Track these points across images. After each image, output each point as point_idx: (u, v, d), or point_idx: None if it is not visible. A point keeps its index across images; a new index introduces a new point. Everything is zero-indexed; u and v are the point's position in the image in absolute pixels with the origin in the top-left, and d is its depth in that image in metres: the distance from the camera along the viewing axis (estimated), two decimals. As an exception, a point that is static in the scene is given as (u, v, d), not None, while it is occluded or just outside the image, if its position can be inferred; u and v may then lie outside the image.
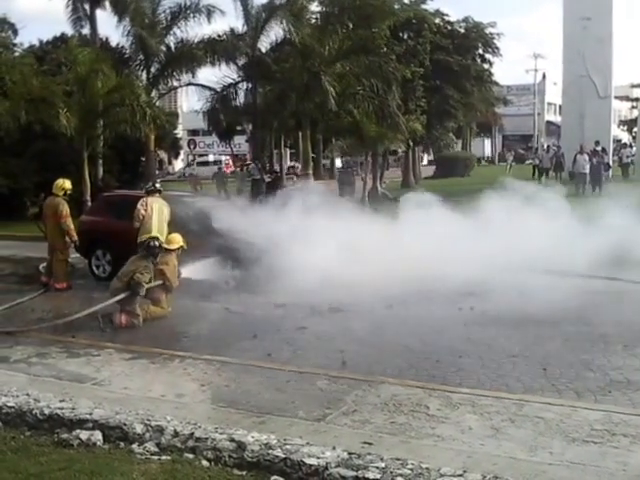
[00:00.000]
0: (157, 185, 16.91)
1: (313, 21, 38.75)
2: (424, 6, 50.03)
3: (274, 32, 39.48)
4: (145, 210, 15.64)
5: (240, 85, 41.72)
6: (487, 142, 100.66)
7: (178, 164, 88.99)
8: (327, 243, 15.34)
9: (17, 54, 42.72)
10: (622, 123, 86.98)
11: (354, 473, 6.01)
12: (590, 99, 45.44)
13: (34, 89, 29.47)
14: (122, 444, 6.98)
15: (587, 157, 38.05)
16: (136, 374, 10.40)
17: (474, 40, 54.64)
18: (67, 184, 17.35)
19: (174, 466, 6.46)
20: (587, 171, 37.47)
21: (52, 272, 17.08)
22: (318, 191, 20.09)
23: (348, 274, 14.62)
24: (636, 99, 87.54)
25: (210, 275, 15.35)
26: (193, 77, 40.93)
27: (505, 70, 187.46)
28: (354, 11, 36.70)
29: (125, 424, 7.07)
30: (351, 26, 37.99)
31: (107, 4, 37.80)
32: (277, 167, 45.42)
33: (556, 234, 16.38)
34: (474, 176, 54.55)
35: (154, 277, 13.78)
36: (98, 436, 7.03)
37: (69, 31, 41.29)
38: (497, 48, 56.57)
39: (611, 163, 44.64)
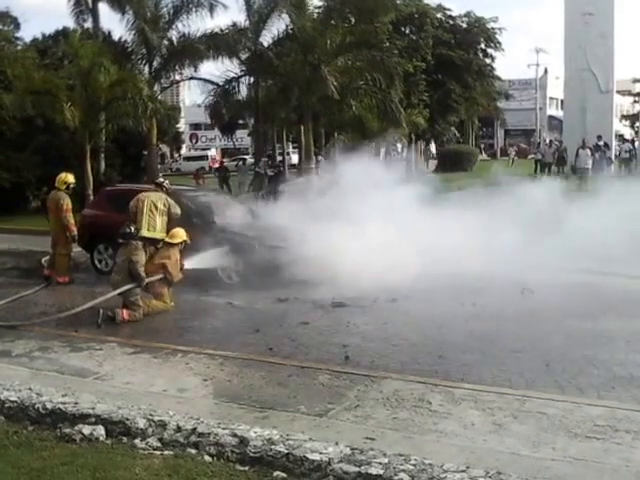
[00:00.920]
0: (161, 179, 16.87)
1: (315, 15, 38.71)
2: (426, 0, 50.04)
3: (276, 26, 39.59)
4: (136, 206, 15.62)
5: (242, 79, 41.76)
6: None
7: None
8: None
9: (19, 48, 42.71)
10: (624, 118, 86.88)
11: (357, 469, 6.00)
12: (592, 93, 45.46)
13: (36, 83, 29.53)
14: (125, 439, 6.98)
15: (589, 152, 38.02)
16: (138, 368, 10.38)
17: (476, 35, 54.74)
18: (69, 178, 17.34)
19: (176, 461, 6.46)
20: (590, 166, 37.42)
21: (55, 265, 17.07)
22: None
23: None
24: (638, 94, 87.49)
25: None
26: (195, 71, 41.08)
27: (507, 65, 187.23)
28: (356, 5, 36.70)
29: (128, 419, 7.07)
30: (353, 20, 38.01)
31: (110, -2, 37.84)
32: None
33: (559, 230, 16.36)
34: (477, 170, 54.43)
35: (155, 272, 13.78)
36: (101, 431, 7.02)
37: (71, 25, 41.31)
38: (499, 43, 56.74)
39: (613, 158, 44.63)
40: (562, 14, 48.54)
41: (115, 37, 41.55)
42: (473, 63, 52.68)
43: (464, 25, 57.07)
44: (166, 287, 13.89)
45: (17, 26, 48.26)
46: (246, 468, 6.36)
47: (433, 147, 62.93)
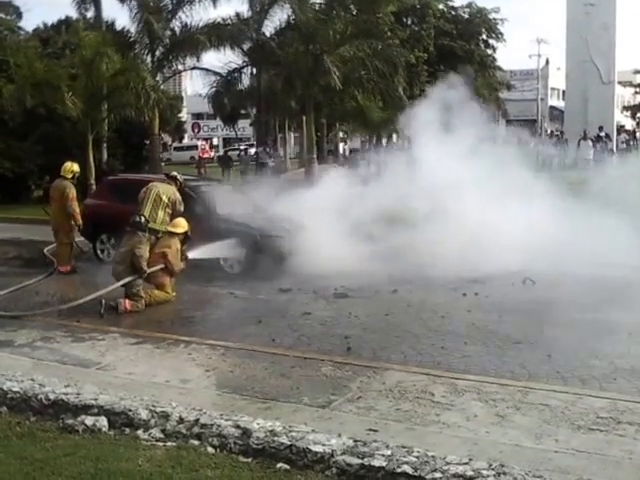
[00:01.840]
0: (174, 173, 16.80)
1: (317, 6, 38.65)
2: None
3: (278, 17, 39.55)
4: (144, 194, 15.59)
5: (244, 69, 41.70)
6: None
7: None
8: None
9: (21, 37, 42.66)
10: (625, 109, 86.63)
11: (360, 461, 6.00)
12: (593, 84, 45.37)
13: (38, 72, 29.42)
14: (127, 430, 6.96)
15: (591, 143, 37.94)
16: (141, 359, 10.38)
17: (478, 25, 54.68)
18: (75, 167, 17.34)
19: (179, 452, 6.45)
20: (591, 157, 37.34)
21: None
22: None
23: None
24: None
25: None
26: (198, 61, 40.95)
27: (508, 55, 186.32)
28: (357, -5, 36.66)
29: (130, 410, 7.05)
30: (355, 11, 37.91)
31: (112, -13, 37.78)
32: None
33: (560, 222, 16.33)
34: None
35: (156, 261, 13.76)
36: (103, 422, 7.01)
37: (74, 14, 41.26)
38: (501, 33, 56.60)
39: (615, 149, 44.52)
40: (564, 5, 48.48)
41: (118, 27, 41.62)
42: (475, 54, 52.63)
43: (466, 16, 57.00)
44: (168, 277, 13.87)
45: (19, 15, 48.29)
46: (249, 460, 6.34)
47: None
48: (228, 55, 41.09)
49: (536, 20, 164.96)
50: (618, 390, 8.83)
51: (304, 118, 40.07)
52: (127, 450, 6.50)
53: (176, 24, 38.42)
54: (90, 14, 39.24)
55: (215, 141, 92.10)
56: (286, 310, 13.12)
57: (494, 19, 57.66)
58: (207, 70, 41.94)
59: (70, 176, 17.16)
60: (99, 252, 18.15)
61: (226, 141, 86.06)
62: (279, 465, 6.20)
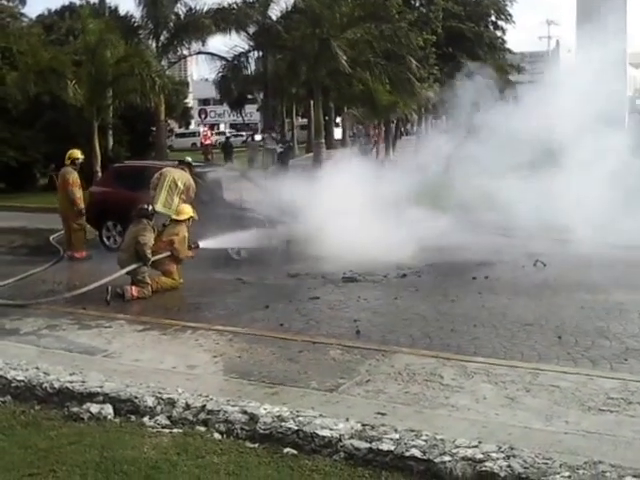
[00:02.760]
0: (188, 159, 16.71)
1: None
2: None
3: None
4: (158, 180, 15.51)
5: (251, 54, 41.53)
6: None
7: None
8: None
9: (25, 24, 42.54)
10: (638, 91, 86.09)
11: (368, 445, 5.93)
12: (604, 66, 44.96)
13: (42, 59, 29.28)
14: (133, 417, 6.90)
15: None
16: (147, 346, 10.31)
17: (487, 7, 54.35)
18: (75, 153, 17.29)
19: (186, 439, 6.39)
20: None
21: (71, 242, 17.04)
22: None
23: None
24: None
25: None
26: (203, 45, 40.80)
27: (518, 37, 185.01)
28: (364, -23, 36.38)
29: (136, 397, 6.99)
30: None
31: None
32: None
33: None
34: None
35: (163, 248, 13.69)
36: (109, 409, 6.95)
37: (77, 0, 41.13)
38: (510, 15, 56.21)
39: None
40: (574, -16, 48.10)
41: (122, 12, 41.50)
42: (484, 36, 52.38)
43: (474, -3, 56.74)
44: (175, 264, 13.80)
45: (22, 2, 48.05)
46: (256, 445, 6.28)
47: (445, 121, 62.54)
48: (234, 39, 40.97)
49: (546, 1, 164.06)
50: (629, 371, 8.75)
51: (311, 102, 39.90)
52: (133, 438, 6.43)
53: (181, 8, 38.31)
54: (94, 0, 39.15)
55: (222, 127, 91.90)
56: (294, 295, 13.04)
57: (503, 0, 57.35)
58: (212, 55, 41.80)
59: (69, 162, 17.14)
60: (105, 239, 18.07)
61: (233, 127, 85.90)
62: (286, 450, 6.14)
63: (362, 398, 8.06)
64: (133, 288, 13.13)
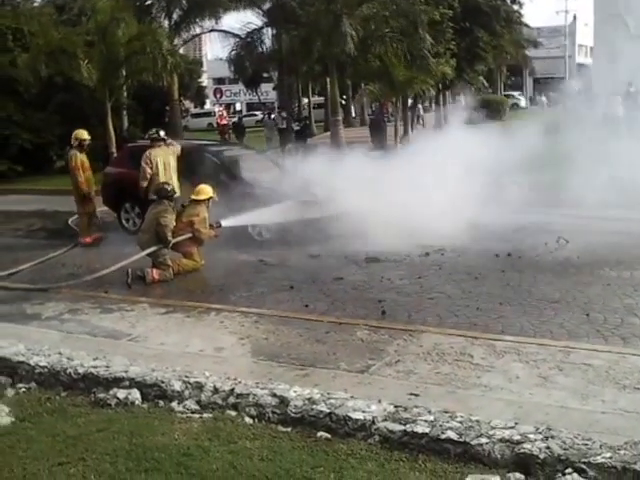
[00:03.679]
0: (161, 133, 16.47)
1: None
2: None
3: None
4: (151, 167, 15.38)
5: (265, 31, 41.20)
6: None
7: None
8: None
9: (36, 4, 42.33)
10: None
11: (402, 427, 5.80)
12: (623, 40, 44.36)
13: (53, 40, 29.08)
14: (161, 402, 6.80)
15: (620, 99, 37.19)
16: (172, 329, 10.22)
17: (503, -20, 53.68)
18: (81, 134, 16.71)
19: (216, 424, 6.27)
20: (621, 114, 36.51)
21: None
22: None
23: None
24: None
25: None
26: (216, 23, 40.50)
27: (535, 11, 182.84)
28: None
29: (163, 381, 6.87)
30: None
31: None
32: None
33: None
34: (508, 120, 53.62)
35: (183, 230, 13.56)
36: (136, 395, 6.85)
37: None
38: (527, -12, 55.56)
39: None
40: (591, -44, 47.65)
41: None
42: (501, 10, 51.70)
43: (491, -30, 56.15)
44: (196, 245, 13.67)
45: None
46: (288, 429, 6.17)
47: (463, 98, 62.18)
48: (248, 16, 40.68)
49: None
50: (661, 348, 8.59)
51: (327, 80, 39.57)
52: (162, 423, 6.33)
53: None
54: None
55: (238, 106, 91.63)
56: (317, 275, 12.88)
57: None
58: (226, 32, 41.48)
59: (76, 144, 16.58)
60: (124, 221, 17.83)
61: (250, 106, 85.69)
62: (320, 434, 6.03)
63: (393, 379, 7.98)
64: (154, 271, 13.01)
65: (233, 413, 6.48)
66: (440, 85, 40.64)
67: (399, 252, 13.93)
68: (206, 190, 13.91)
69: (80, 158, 16.41)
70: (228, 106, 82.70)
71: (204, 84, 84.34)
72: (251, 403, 6.44)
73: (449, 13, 41.04)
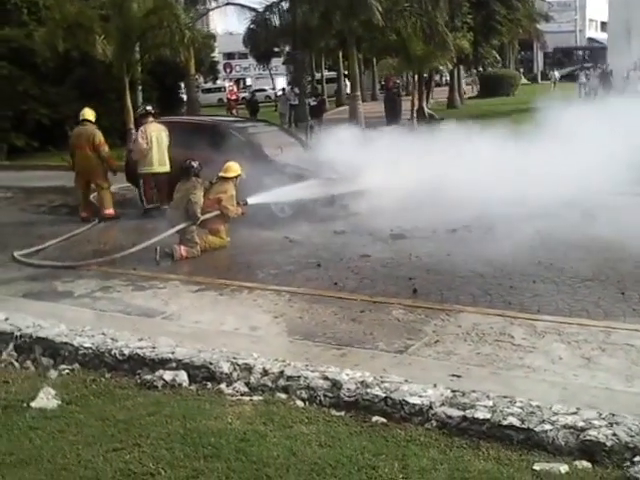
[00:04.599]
0: (148, 108, 16.44)
1: None
2: None
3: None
4: (146, 143, 15.37)
5: (282, 4, 40.68)
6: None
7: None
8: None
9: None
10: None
11: (461, 413, 5.71)
12: (637, 13, 43.90)
13: (69, 14, 28.78)
14: (209, 384, 6.72)
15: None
16: (206, 307, 10.16)
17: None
18: (86, 113, 16.96)
19: (268, 407, 6.19)
20: (640, 89, 36.15)
21: (86, 204, 16.99)
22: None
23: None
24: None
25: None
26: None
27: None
28: None
29: (211, 363, 6.79)
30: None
31: None
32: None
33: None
34: (519, 95, 53.21)
35: (211, 207, 13.49)
36: (183, 376, 6.77)
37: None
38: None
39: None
40: None
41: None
42: (516, -18, 51.28)
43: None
44: (223, 223, 13.60)
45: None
46: (342, 413, 6.09)
47: (474, 73, 61.90)
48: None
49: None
50: (703, 325, 8.49)
51: (340, 54, 39.22)
52: (213, 407, 6.24)
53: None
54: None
55: (249, 81, 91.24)
56: (344, 253, 12.76)
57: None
58: (242, 6, 41.12)
59: (94, 120, 16.82)
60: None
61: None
62: (375, 419, 5.94)
63: (433, 360, 7.90)
64: (182, 248, 12.95)
65: (283, 396, 6.40)
66: (455, 59, 40.19)
67: (425, 228, 13.81)
68: (234, 167, 13.83)
69: (100, 134, 16.55)
70: (237, 81, 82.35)
71: (216, 59, 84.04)
72: (302, 386, 6.36)
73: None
